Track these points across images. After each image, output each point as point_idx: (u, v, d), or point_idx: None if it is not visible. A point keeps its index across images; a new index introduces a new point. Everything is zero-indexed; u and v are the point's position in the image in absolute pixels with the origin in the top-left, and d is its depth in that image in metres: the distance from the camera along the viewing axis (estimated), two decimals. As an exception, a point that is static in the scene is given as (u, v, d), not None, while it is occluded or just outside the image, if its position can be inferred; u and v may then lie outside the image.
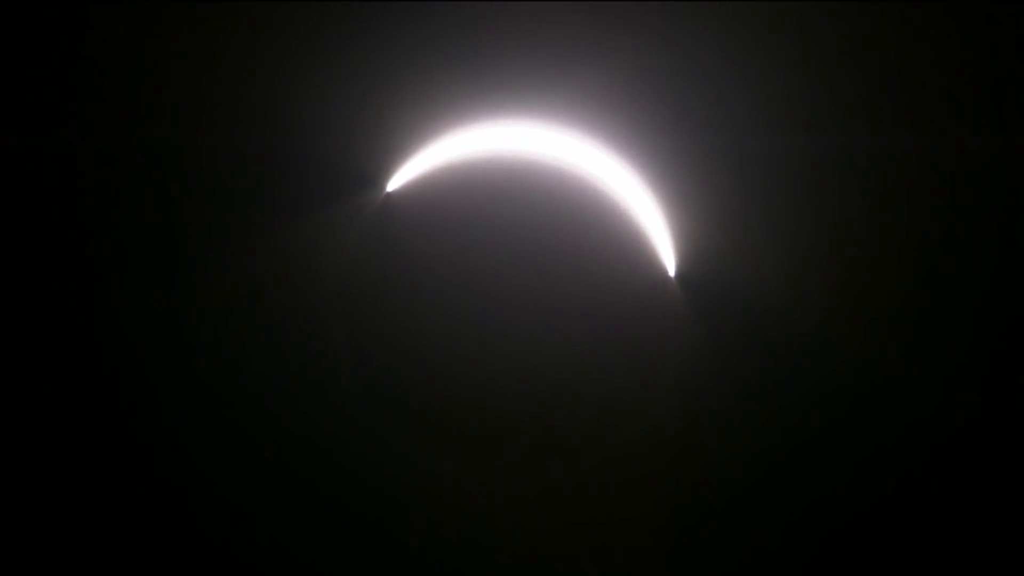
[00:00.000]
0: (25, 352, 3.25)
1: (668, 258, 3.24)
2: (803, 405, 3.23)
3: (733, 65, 3.15)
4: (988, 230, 3.17)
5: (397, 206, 3.25)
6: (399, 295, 3.26)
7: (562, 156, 3.22)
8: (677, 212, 3.23)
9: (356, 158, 3.23)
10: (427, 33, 3.17)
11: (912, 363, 3.21)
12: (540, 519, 3.27)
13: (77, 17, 3.19)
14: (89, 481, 3.26)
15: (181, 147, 3.22)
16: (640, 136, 3.20)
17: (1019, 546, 3.16)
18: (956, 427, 3.21)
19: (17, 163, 3.22)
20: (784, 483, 3.23)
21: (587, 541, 3.26)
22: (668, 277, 3.23)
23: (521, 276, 3.21)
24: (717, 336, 3.23)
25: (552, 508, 3.27)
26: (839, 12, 3.11)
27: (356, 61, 3.19)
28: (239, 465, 3.26)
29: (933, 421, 3.22)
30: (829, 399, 3.22)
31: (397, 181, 3.26)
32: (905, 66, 3.14)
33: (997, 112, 3.13)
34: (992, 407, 3.20)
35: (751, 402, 3.24)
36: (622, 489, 3.25)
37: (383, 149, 3.23)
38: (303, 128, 3.20)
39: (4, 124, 3.19)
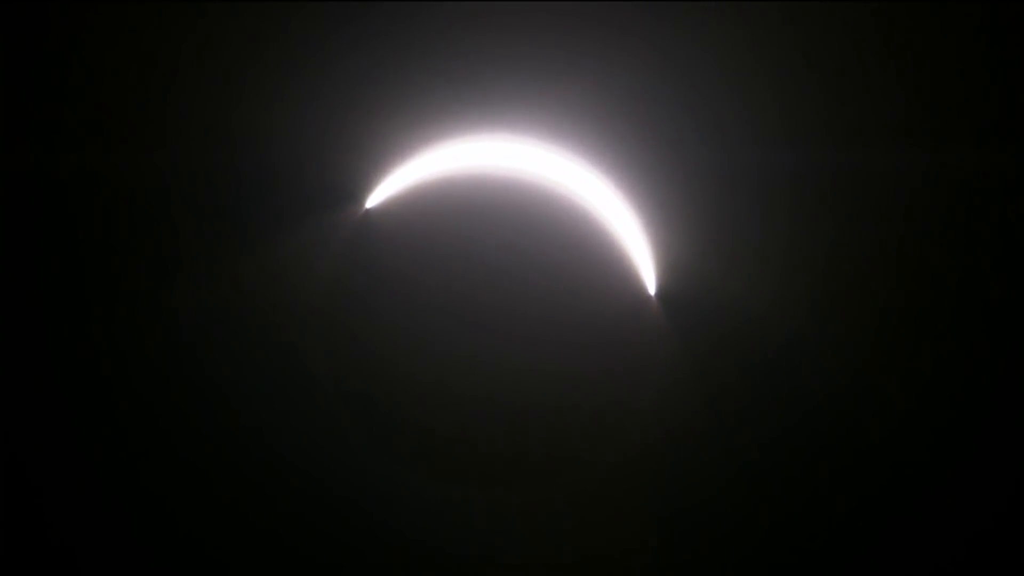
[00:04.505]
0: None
1: (648, 276, 3.18)
2: (791, 431, 3.14)
3: (720, 80, 3.12)
4: (984, 247, 3.10)
5: (376, 223, 3.21)
6: (377, 315, 3.21)
7: (543, 172, 3.18)
8: (658, 228, 3.17)
9: (334, 173, 3.20)
10: (407, 46, 3.17)
11: (905, 386, 3.12)
12: (516, 547, 3.18)
13: (41, 40, 3.20)
14: (49, 501, 3.21)
15: (152, 165, 3.20)
16: (621, 151, 3.16)
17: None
18: (952, 452, 3.11)
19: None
20: (772, 513, 3.13)
21: (564, 567, 3.17)
22: (648, 296, 3.17)
23: (500, 295, 3.17)
24: (700, 358, 3.15)
25: (529, 535, 3.18)
26: (832, 27, 3.08)
27: (333, 73, 3.18)
28: (216, 488, 3.20)
29: (928, 447, 3.12)
30: (818, 425, 3.13)
31: (376, 197, 3.23)
32: (897, 82, 3.10)
33: (992, 128, 3.08)
34: (988, 430, 3.10)
35: (736, 428, 3.15)
36: (600, 518, 3.17)
37: (362, 164, 3.21)
38: (279, 143, 3.19)
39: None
